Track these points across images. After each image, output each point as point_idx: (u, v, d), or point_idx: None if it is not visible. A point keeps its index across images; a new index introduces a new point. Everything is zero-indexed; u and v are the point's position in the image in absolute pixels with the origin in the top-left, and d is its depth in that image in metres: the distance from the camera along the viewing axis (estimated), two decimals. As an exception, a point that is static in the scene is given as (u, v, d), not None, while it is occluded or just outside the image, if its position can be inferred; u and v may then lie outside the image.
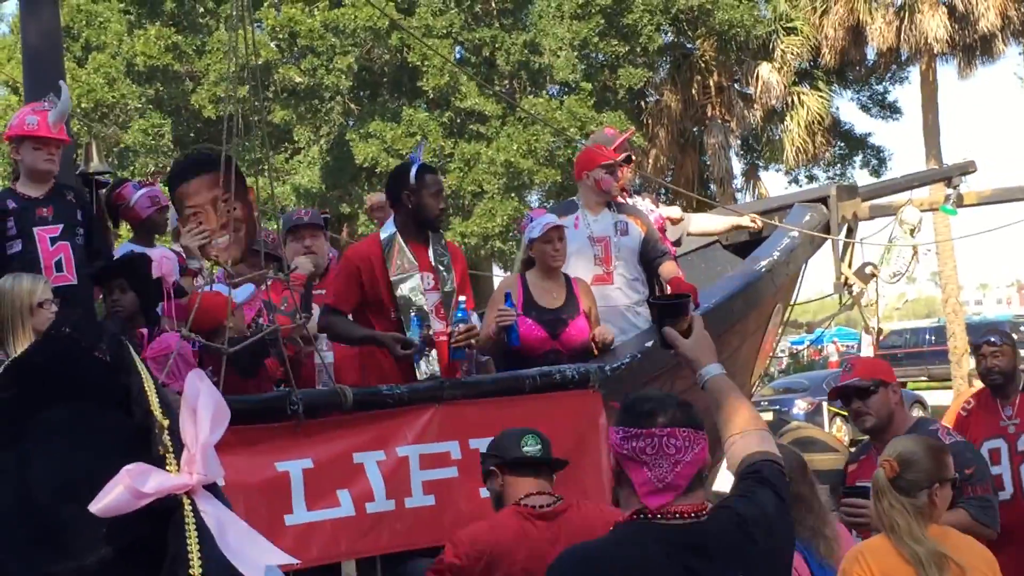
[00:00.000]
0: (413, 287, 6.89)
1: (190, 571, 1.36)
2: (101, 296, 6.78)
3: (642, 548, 3.26)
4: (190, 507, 1.40)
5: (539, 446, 5.28)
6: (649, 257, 8.22)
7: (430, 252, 7.00)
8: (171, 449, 1.42)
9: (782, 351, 44.04)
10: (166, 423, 1.45)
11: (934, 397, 30.99)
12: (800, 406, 24.89)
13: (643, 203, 9.03)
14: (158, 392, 1.48)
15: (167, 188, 7.06)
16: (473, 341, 6.90)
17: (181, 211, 6.57)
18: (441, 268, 7.00)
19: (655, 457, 3.28)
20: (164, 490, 1.35)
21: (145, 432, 1.42)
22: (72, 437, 1.42)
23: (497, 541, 5.11)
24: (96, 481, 1.34)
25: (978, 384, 8.18)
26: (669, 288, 8.09)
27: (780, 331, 10.31)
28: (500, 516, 5.28)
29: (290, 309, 6.67)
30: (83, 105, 24.72)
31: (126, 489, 1.32)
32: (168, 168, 26.28)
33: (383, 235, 7.03)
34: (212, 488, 1.49)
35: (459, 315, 6.77)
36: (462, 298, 6.88)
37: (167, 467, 1.39)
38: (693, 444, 3.31)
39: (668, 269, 8.19)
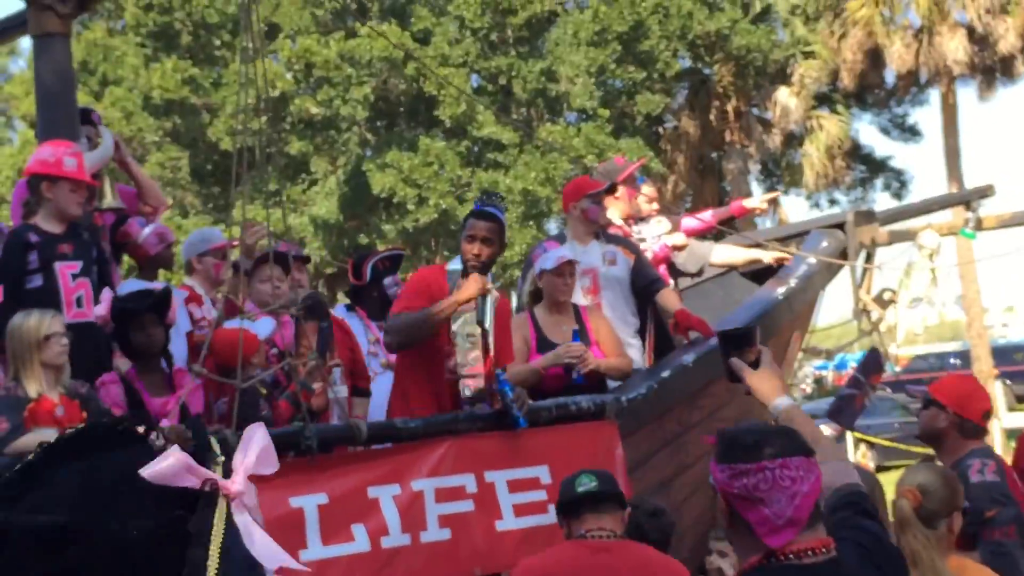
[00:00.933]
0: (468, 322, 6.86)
1: (207, 550, 1.59)
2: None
3: None
4: (225, 506, 1.65)
5: (594, 483, 5.22)
6: (640, 285, 8.16)
7: (487, 305, 6.92)
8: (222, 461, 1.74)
9: (806, 376, 43.85)
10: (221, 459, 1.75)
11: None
12: (824, 432, 24.71)
13: (657, 227, 8.97)
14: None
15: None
16: (528, 402, 6.78)
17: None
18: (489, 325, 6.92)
19: (770, 492, 3.04)
20: (209, 477, 1.59)
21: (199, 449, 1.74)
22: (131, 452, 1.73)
23: (551, 572, 5.09)
24: (140, 481, 1.62)
25: None
26: (675, 320, 8.02)
27: (799, 358, 10.23)
28: (557, 547, 5.25)
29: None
30: (101, 139, 24.87)
31: (176, 460, 1.55)
32: (185, 201, 26.43)
33: (450, 267, 7.01)
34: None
35: (505, 388, 6.56)
36: (500, 371, 6.75)
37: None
38: (808, 473, 3.08)
39: (670, 301, 8.11)
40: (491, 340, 6.88)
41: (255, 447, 1.74)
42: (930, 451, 6.28)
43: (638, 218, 9.10)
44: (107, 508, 1.64)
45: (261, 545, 1.67)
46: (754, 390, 3.82)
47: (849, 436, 23.41)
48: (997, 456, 5.80)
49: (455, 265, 6.99)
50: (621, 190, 8.80)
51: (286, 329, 6.79)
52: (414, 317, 6.72)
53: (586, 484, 5.20)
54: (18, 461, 1.79)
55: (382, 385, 7.79)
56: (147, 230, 7.81)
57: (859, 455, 23.01)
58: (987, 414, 5.84)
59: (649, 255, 8.70)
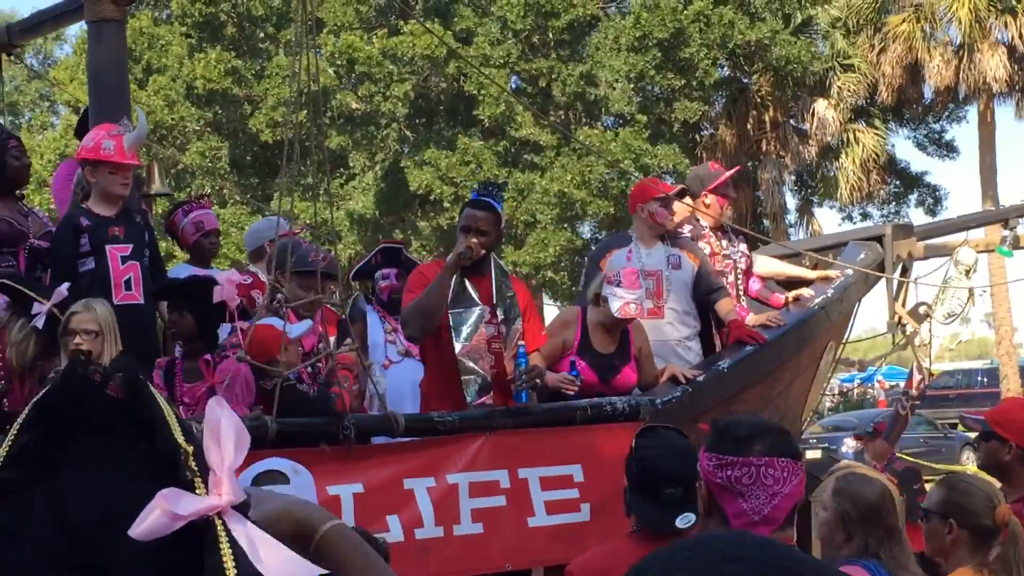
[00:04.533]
0: (473, 322, 6.86)
1: None
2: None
3: None
4: (222, 527, 1.42)
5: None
6: (702, 291, 8.18)
7: (492, 285, 6.98)
8: (198, 473, 1.46)
9: (832, 389, 43.69)
10: (190, 449, 1.47)
11: (986, 440, 30.63)
12: (849, 444, 24.61)
13: (741, 245, 8.87)
14: (179, 422, 1.52)
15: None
16: (538, 382, 6.85)
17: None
18: (504, 302, 6.97)
19: (752, 488, 3.07)
20: (198, 512, 1.38)
21: (170, 460, 1.45)
22: (102, 469, 1.46)
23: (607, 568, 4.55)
24: (130, 509, 1.38)
25: None
26: (728, 329, 8.04)
27: (832, 368, 10.25)
28: (614, 542, 4.80)
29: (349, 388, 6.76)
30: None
31: (163, 513, 1.36)
32: (223, 191, 26.57)
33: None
34: (241, 509, 1.52)
35: (520, 361, 6.67)
36: (521, 344, 6.83)
37: (196, 491, 1.43)
38: (792, 476, 3.11)
39: (725, 307, 8.12)
40: (502, 324, 6.93)
41: (228, 437, 1.51)
42: (952, 468, 6.21)
43: (728, 228, 8.96)
44: (91, 572, 1.39)
45: (268, 559, 1.48)
46: None
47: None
48: None
49: None
50: (711, 198, 8.78)
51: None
52: (418, 300, 6.76)
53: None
54: None
55: (399, 373, 7.90)
56: (186, 219, 7.91)
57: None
58: None
59: (731, 276, 8.66)
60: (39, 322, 6.20)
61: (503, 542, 6.39)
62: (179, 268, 7.50)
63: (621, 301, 7.25)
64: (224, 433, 1.47)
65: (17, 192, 7.61)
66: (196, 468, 1.47)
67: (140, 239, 6.94)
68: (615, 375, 7.44)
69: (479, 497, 6.39)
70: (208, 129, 27.44)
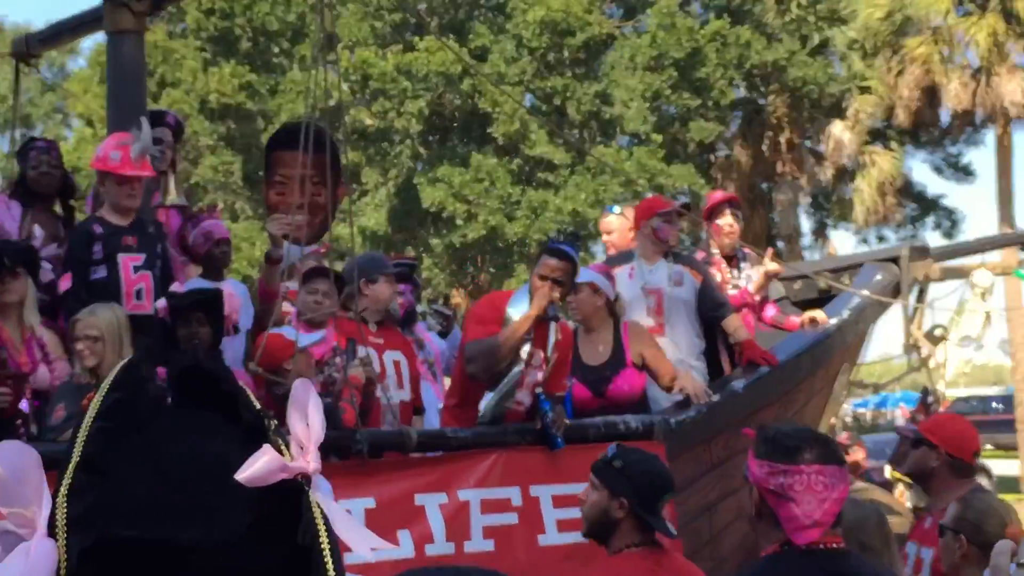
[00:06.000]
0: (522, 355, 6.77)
1: (319, 539, 1.43)
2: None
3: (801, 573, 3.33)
4: (310, 491, 1.50)
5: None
6: (705, 309, 8.13)
7: (550, 334, 6.83)
8: (285, 440, 1.51)
9: (845, 414, 43.56)
10: (274, 424, 1.54)
11: (1000, 466, 30.50)
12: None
13: (751, 270, 8.89)
14: (256, 397, 1.58)
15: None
16: (567, 422, 6.74)
17: (269, 174, 6.96)
18: (551, 355, 6.86)
19: (803, 494, 3.30)
20: (297, 469, 1.45)
21: (256, 429, 1.51)
22: (191, 430, 1.51)
23: None
24: (228, 459, 1.43)
25: None
26: (740, 349, 8.02)
27: (846, 391, 10.20)
28: (616, 562, 4.84)
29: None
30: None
31: (271, 459, 1.41)
32: (235, 205, 26.60)
33: (517, 296, 6.91)
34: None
35: (545, 408, 6.58)
36: (540, 391, 6.67)
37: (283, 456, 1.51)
38: (839, 481, 3.34)
39: (733, 325, 8.06)
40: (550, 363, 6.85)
41: (316, 413, 1.58)
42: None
43: (739, 255, 8.97)
44: (189, 512, 1.44)
45: (343, 527, 1.57)
46: None
47: (887, 474, 23.28)
48: None
49: (520, 293, 6.95)
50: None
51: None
52: (492, 341, 6.65)
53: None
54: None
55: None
56: (195, 232, 7.86)
57: (896, 494, 22.84)
58: (976, 453, 5.77)
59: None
60: None
61: (514, 560, 6.35)
62: (193, 282, 7.46)
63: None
64: (311, 410, 1.53)
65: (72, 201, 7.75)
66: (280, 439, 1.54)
67: (153, 249, 6.92)
68: (607, 386, 7.39)
69: (490, 514, 6.37)
70: (221, 143, 27.48)
